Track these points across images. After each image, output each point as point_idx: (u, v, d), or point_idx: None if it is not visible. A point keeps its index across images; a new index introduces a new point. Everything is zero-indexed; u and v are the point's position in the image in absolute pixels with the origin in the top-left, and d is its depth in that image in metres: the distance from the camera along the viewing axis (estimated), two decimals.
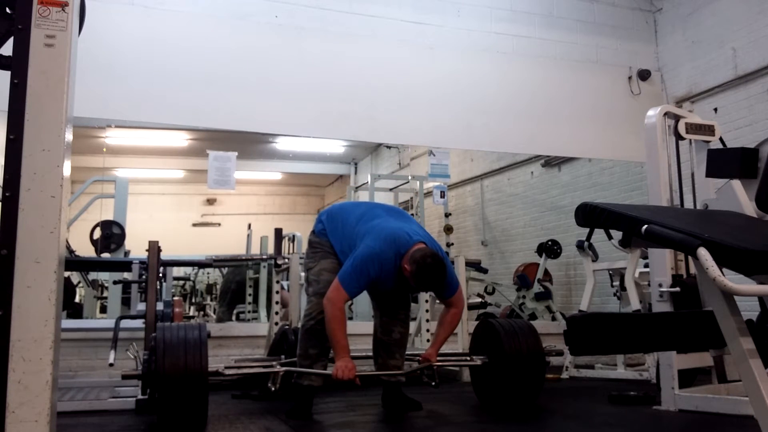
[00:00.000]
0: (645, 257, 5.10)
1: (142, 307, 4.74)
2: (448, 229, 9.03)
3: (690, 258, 2.05)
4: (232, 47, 5.66)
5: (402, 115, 6.11)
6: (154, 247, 4.55)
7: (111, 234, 7.16)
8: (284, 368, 3.49)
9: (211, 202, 15.33)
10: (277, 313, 5.03)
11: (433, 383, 3.64)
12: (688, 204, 4.08)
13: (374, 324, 3.86)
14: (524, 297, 7.42)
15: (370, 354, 3.89)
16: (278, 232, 5.87)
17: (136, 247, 6.95)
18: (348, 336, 3.46)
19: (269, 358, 4.40)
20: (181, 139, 10.92)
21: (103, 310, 8.52)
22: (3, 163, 1.93)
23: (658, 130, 3.88)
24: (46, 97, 1.97)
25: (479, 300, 7.87)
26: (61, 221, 1.94)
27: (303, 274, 4.12)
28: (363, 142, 10.28)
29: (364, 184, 11.14)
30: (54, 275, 1.91)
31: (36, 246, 1.90)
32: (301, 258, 4.59)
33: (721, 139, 3.93)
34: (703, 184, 3.66)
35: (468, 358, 3.92)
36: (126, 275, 5.54)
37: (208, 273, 10.40)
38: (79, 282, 8.47)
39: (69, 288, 7.26)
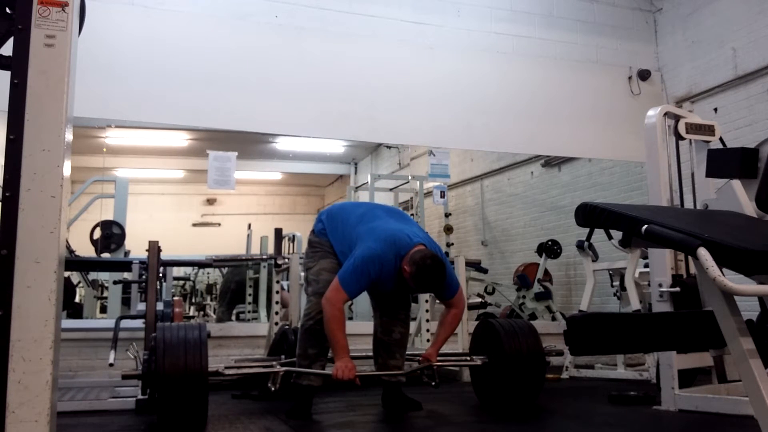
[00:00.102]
0: (645, 257, 5.09)
1: (142, 307, 4.74)
2: (448, 229, 9.03)
3: (690, 258, 2.05)
4: (232, 47, 5.66)
5: (402, 115, 6.11)
6: (154, 247, 4.55)
7: (111, 234, 7.15)
8: (284, 368, 3.49)
9: (211, 202, 15.32)
10: (277, 313, 5.03)
11: (433, 383, 3.64)
12: (688, 204, 4.08)
13: (374, 324, 3.85)
14: (524, 297, 7.42)
15: (370, 354, 3.88)
16: (278, 232, 5.87)
17: (136, 247, 6.95)
18: (348, 336, 3.46)
19: (269, 358, 4.40)
20: (181, 139, 10.92)
21: (103, 310, 8.52)
22: (3, 163, 1.93)
23: (658, 130, 3.88)
24: (46, 97, 1.97)
25: (479, 300, 7.87)
26: (61, 221, 1.94)
27: (303, 273, 4.12)
28: (363, 142, 10.28)
29: (364, 184, 11.13)
30: (54, 275, 1.91)
31: (36, 246, 1.90)
32: (301, 258, 4.59)
33: (721, 139, 3.93)
34: (703, 184, 3.66)
35: (468, 358, 3.92)
36: (126, 275, 5.54)
37: (208, 273, 10.40)
38: (79, 282, 8.47)
39: (69, 288, 7.26)
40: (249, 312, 7.18)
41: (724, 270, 1.64)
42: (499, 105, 6.41)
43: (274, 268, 5.35)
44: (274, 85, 5.72)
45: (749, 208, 2.59)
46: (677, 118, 3.93)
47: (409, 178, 9.59)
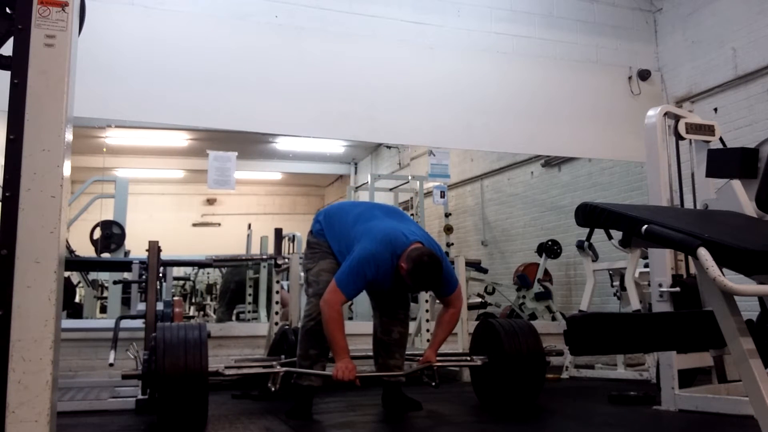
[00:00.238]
0: (645, 257, 5.09)
1: (142, 307, 4.74)
2: (448, 229, 9.03)
3: (690, 258, 2.05)
4: (232, 47, 5.66)
5: (402, 115, 6.11)
6: (154, 247, 4.55)
7: (111, 234, 7.15)
8: (284, 368, 3.50)
9: (211, 202, 15.32)
10: (277, 313, 5.03)
11: (434, 383, 3.65)
12: (688, 204, 4.08)
13: (374, 324, 3.85)
14: (524, 297, 7.42)
15: (370, 354, 3.89)
16: (278, 232, 5.86)
17: (136, 247, 6.95)
18: (348, 336, 3.46)
19: (269, 358, 4.40)
20: (181, 139, 10.92)
21: (103, 310, 8.52)
22: (3, 163, 1.93)
23: (658, 130, 3.88)
24: (46, 97, 1.97)
25: (479, 300, 7.87)
26: (61, 221, 1.94)
27: (302, 274, 4.12)
28: (363, 142, 10.28)
29: (364, 184, 11.13)
30: (54, 275, 1.91)
31: (36, 246, 1.90)
32: (300, 258, 4.59)
33: (721, 139, 3.93)
34: (703, 184, 3.66)
35: (468, 358, 3.92)
36: (126, 275, 5.54)
37: (208, 273, 10.39)
38: (79, 282, 8.46)
39: (69, 288, 7.25)
40: (249, 312, 7.18)
41: (724, 270, 1.64)
42: (499, 105, 6.41)
43: (274, 268, 5.35)
44: (274, 85, 5.72)
45: (749, 208, 2.59)
46: (677, 118, 3.93)
47: (409, 178, 9.59)
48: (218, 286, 9.68)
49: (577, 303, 6.62)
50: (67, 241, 4.55)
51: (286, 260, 5.13)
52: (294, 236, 9.28)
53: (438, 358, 3.68)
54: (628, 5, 7.01)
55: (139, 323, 4.62)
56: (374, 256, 3.40)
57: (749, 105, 5.88)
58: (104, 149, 10.29)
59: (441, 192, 8.21)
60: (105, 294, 8.40)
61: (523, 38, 6.59)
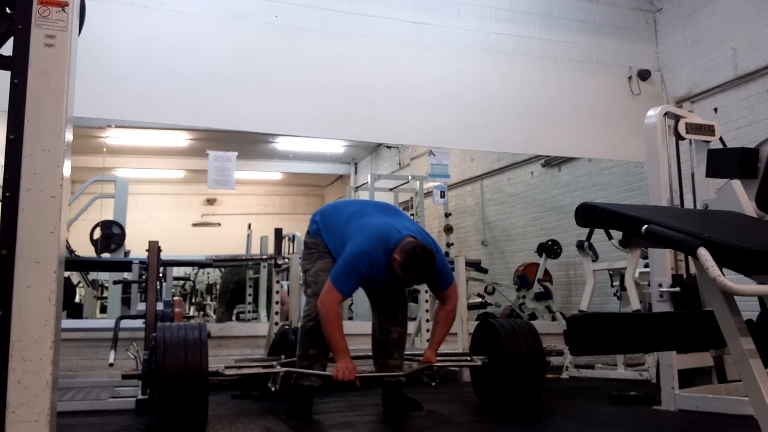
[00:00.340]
0: (645, 257, 5.09)
1: (142, 307, 4.74)
2: (448, 229, 9.03)
3: (690, 258, 2.05)
4: (232, 47, 5.66)
5: (402, 115, 6.11)
6: (154, 247, 4.55)
7: (111, 234, 7.15)
8: (284, 369, 3.50)
9: (211, 202, 15.32)
10: (277, 313, 5.03)
11: (434, 383, 3.64)
12: (688, 204, 4.08)
13: (372, 324, 3.86)
14: (524, 297, 7.42)
15: (370, 354, 3.89)
16: (278, 232, 5.87)
17: (136, 247, 6.95)
18: (347, 336, 3.46)
19: (269, 358, 4.40)
20: (181, 139, 10.92)
21: (103, 310, 8.52)
22: (3, 163, 1.93)
23: (658, 130, 3.88)
24: (46, 97, 1.97)
25: (479, 300, 7.87)
26: (61, 221, 1.94)
27: (302, 275, 4.12)
28: (363, 142, 10.28)
29: (364, 184, 11.13)
30: (54, 275, 1.91)
31: (36, 246, 1.90)
32: (300, 258, 4.59)
33: (721, 139, 3.93)
34: (703, 184, 3.66)
35: (468, 359, 3.92)
36: (126, 275, 5.53)
37: (208, 273, 10.39)
38: (79, 282, 8.46)
39: (69, 288, 7.25)
40: (249, 312, 7.18)
41: (724, 270, 1.64)
42: (499, 105, 6.41)
43: (274, 268, 5.35)
44: (274, 85, 5.72)
45: (749, 208, 2.60)
46: (677, 118, 3.93)
47: (409, 178, 9.59)
48: (218, 286, 9.68)
49: (577, 303, 6.62)
50: (67, 241, 4.55)
51: (286, 260, 5.13)
52: (294, 236, 9.28)
53: (438, 358, 3.68)
54: (628, 5, 7.01)
55: (139, 323, 4.62)
56: (367, 251, 3.41)
57: (749, 105, 5.88)
58: (104, 149, 10.29)
59: (441, 192, 8.21)
60: (105, 294, 8.40)
61: (523, 38, 6.59)
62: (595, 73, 6.80)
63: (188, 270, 10.20)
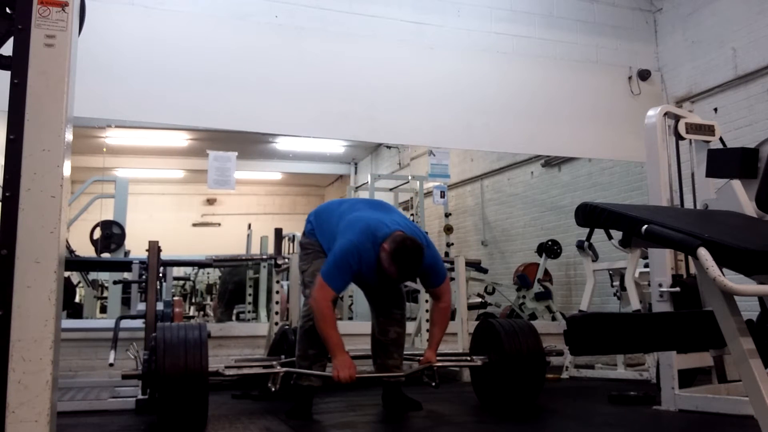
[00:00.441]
0: (645, 257, 5.09)
1: (142, 307, 4.73)
2: (448, 229, 9.03)
3: (690, 258, 2.05)
4: (232, 47, 5.66)
5: (402, 115, 6.11)
6: (154, 247, 4.55)
7: (111, 234, 7.15)
8: (284, 369, 3.50)
9: (211, 202, 15.33)
10: (277, 313, 5.03)
11: (434, 383, 3.65)
12: (688, 204, 4.08)
13: (371, 324, 3.86)
14: (524, 297, 7.42)
15: (370, 354, 3.89)
16: (278, 232, 5.87)
17: (136, 247, 6.95)
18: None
19: (269, 358, 4.40)
20: (181, 139, 10.93)
21: (103, 310, 8.52)
22: (3, 163, 1.93)
23: (658, 130, 3.88)
24: (46, 97, 1.97)
25: (479, 300, 7.87)
26: (61, 221, 1.94)
27: (300, 275, 4.13)
28: (363, 142, 10.28)
29: (364, 184, 11.14)
30: (54, 275, 1.91)
31: (36, 246, 1.90)
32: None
33: (721, 139, 3.93)
34: (703, 184, 3.66)
35: (468, 359, 3.92)
36: (126, 275, 5.53)
37: (208, 273, 10.40)
38: (79, 282, 8.46)
39: (69, 288, 7.25)
40: (249, 312, 7.18)
41: (724, 270, 1.64)
42: (499, 105, 6.41)
43: (274, 268, 5.35)
44: (274, 85, 5.72)
45: (749, 208, 2.60)
46: (677, 118, 3.93)
47: (409, 178, 9.59)
48: (217, 287, 9.68)
49: (577, 303, 6.62)
50: (67, 241, 4.55)
51: (286, 260, 5.13)
52: (294, 236, 9.27)
53: (438, 358, 3.69)
54: (628, 5, 7.01)
55: (139, 323, 4.62)
56: (356, 246, 3.41)
57: (749, 105, 5.88)
58: (104, 149, 10.29)
59: (441, 192, 8.22)
60: (105, 294, 8.40)
61: (523, 38, 6.59)
62: (595, 73, 6.80)
63: (188, 270, 10.20)
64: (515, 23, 6.58)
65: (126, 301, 6.53)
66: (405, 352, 3.94)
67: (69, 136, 2.04)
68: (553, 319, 7.13)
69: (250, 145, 10.45)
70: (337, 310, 7.18)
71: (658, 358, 3.90)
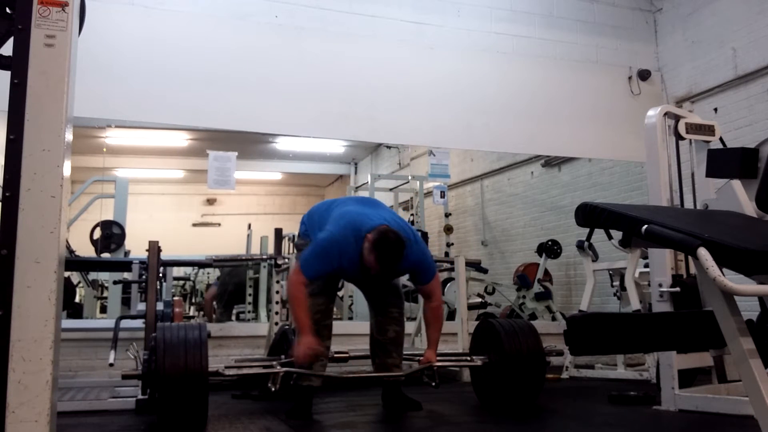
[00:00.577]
0: (645, 257, 5.09)
1: (142, 307, 4.74)
2: (448, 229, 9.03)
3: (690, 258, 2.05)
4: (232, 47, 5.65)
5: (402, 115, 6.11)
6: (154, 247, 4.55)
7: (111, 234, 7.15)
8: (284, 369, 3.50)
9: (211, 202, 15.32)
10: (277, 313, 5.03)
11: (434, 383, 3.65)
12: (688, 204, 4.08)
13: (370, 324, 3.87)
14: (524, 297, 7.42)
15: (369, 354, 3.89)
16: (278, 232, 5.87)
17: (136, 247, 6.95)
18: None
19: (269, 358, 4.40)
20: (181, 139, 10.92)
21: (103, 310, 8.52)
22: (3, 163, 1.93)
23: (658, 130, 3.88)
24: (46, 97, 1.97)
25: (479, 300, 7.87)
26: (61, 221, 1.94)
27: None
28: (363, 142, 10.28)
29: (364, 184, 11.14)
30: (54, 275, 1.91)
31: (36, 246, 1.90)
32: None
33: (721, 139, 3.93)
34: (703, 184, 3.66)
35: (468, 359, 3.92)
36: (126, 275, 5.53)
37: (208, 273, 10.38)
38: (79, 282, 8.46)
39: (69, 288, 7.25)
40: (249, 312, 7.18)
41: (724, 270, 1.64)
42: (499, 105, 6.41)
43: (274, 268, 5.35)
44: (274, 85, 5.72)
45: (749, 208, 2.60)
46: (677, 118, 3.93)
47: (409, 178, 9.59)
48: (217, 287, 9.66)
49: (577, 303, 6.62)
50: (67, 241, 4.55)
51: (286, 260, 5.13)
52: (294, 236, 9.26)
53: (438, 358, 3.69)
54: (628, 5, 7.00)
55: (139, 323, 4.62)
56: (336, 238, 3.46)
57: (749, 105, 5.88)
58: (104, 149, 10.29)
59: (441, 192, 8.22)
60: (105, 294, 8.40)
61: (523, 38, 6.59)
62: (595, 73, 6.79)
63: (188, 270, 10.20)
64: (515, 23, 6.58)
65: (126, 301, 6.53)
66: (405, 352, 3.94)
67: (69, 136, 2.04)
68: (553, 319, 7.13)
69: (250, 145, 10.45)
70: (337, 310, 7.22)
71: (658, 358, 3.90)
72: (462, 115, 6.27)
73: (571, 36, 6.76)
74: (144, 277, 4.70)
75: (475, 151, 9.49)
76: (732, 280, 1.61)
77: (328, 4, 5.96)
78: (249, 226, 9.40)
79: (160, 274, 4.74)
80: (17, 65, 1.97)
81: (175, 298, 6.18)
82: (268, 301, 6.56)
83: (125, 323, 4.74)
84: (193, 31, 5.57)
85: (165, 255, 4.76)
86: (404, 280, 4.24)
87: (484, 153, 9.51)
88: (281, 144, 11.15)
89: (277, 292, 5.16)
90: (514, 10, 6.61)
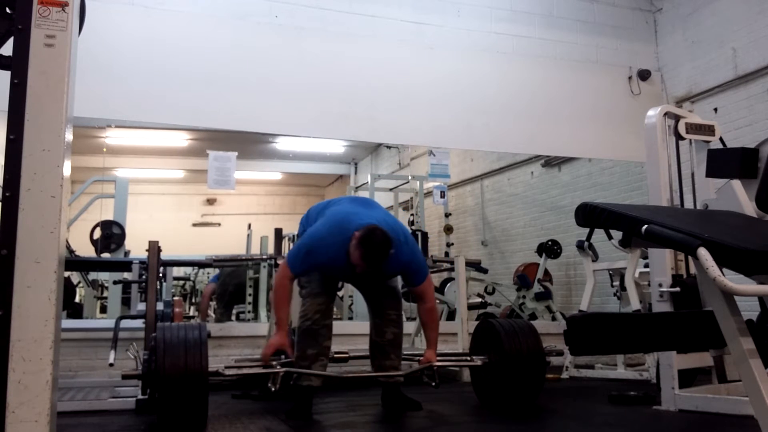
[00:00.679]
0: (645, 257, 5.09)
1: (142, 307, 4.73)
2: (448, 229, 9.03)
3: (690, 258, 2.05)
4: (232, 47, 5.65)
5: (402, 115, 6.11)
6: (154, 247, 4.55)
7: (111, 234, 7.14)
8: (284, 369, 3.50)
9: (211, 202, 15.32)
10: None
11: (434, 383, 3.65)
12: (688, 204, 4.08)
13: (369, 326, 3.87)
14: (524, 297, 7.42)
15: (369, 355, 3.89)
16: (278, 232, 5.86)
17: (136, 247, 6.95)
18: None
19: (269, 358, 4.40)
20: (181, 139, 10.92)
21: (103, 310, 8.51)
22: (3, 163, 1.93)
23: (658, 130, 3.88)
24: (46, 97, 1.97)
25: (479, 300, 7.86)
26: (61, 221, 1.94)
27: None
28: (363, 142, 10.28)
29: (364, 184, 11.14)
30: (54, 275, 1.91)
31: (36, 246, 1.90)
32: None
33: (721, 139, 3.93)
34: (703, 184, 3.66)
35: (468, 359, 3.92)
36: (126, 275, 5.53)
37: (208, 273, 10.37)
38: (79, 282, 8.46)
39: (69, 288, 7.25)
40: (249, 312, 7.17)
41: (724, 270, 1.64)
42: (499, 105, 6.41)
43: (274, 268, 5.34)
44: (274, 85, 5.72)
45: (749, 208, 2.60)
46: (677, 118, 3.93)
47: (409, 178, 9.59)
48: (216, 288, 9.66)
49: (577, 303, 6.62)
50: (67, 241, 4.55)
51: None
52: (294, 236, 9.25)
53: (438, 358, 3.69)
54: (628, 5, 7.00)
55: (139, 323, 4.62)
56: (322, 235, 3.50)
57: (749, 105, 5.88)
58: (104, 149, 10.29)
59: (441, 192, 8.22)
60: (105, 294, 8.40)
61: (523, 38, 6.59)
62: (595, 73, 6.79)
63: (188, 270, 10.19)
64: (515, 23, 6.58)
65: (126, 301, 6.52)
66: (405, 353, 3.95)
67: (69, 136, 2.04)
68: (553, 319, 7.13)
69: (250, 145, 10.45)
70: (337, 310, 7.22)
71: (658, 358, 3.90)
72: (462, 115, 6.27)
73: (571, 36, 6.76)
74: (144, 277, 4.70)
75: (475, 151, 9.49)
76: (732, 280, 1.61)
77: (328, 4, 5.96)
78: (249, 226, 9.40)
79: (160, 274, 4.74)
80: (17, 65, 1.97)
81: (175, 298, 6.17)
82: (268, 301, 6.56)
83: (125, 323, 4.73)
84: (193, 31, 5.57)
85: (165, 255, 4.76)
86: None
87: (484, 153, 9.51)
88: (281, 144, 11.15)
89: None
90: (514, 10, 6.61)
